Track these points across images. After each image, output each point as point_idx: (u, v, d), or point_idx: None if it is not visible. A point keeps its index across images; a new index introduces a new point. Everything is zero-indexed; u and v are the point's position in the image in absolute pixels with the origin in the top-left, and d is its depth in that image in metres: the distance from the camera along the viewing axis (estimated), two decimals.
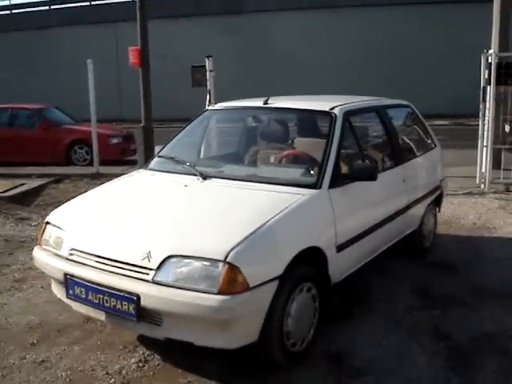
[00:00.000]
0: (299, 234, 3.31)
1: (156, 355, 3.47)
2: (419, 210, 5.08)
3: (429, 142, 5.56)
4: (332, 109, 4.06)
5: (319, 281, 3.52)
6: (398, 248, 4.98)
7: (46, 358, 3.46)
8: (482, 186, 8.75)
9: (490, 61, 8.49)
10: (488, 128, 8.61)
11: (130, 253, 3.10)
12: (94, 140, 10.18)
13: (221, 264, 2.87)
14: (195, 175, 3.86)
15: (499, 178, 8.67)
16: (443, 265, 5.23)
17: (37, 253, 3.62)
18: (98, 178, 9.61)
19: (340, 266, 3.74)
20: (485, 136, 8.73)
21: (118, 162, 11.99)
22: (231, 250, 2.89)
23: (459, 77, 20.66)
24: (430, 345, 3.66)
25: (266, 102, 4.35)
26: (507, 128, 8.85)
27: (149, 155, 11.06)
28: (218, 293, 2.83)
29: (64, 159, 12.12)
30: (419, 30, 23.04)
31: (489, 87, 8.55)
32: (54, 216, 3.70)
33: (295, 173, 3.83)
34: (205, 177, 3.82)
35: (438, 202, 5.71)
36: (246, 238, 2.98)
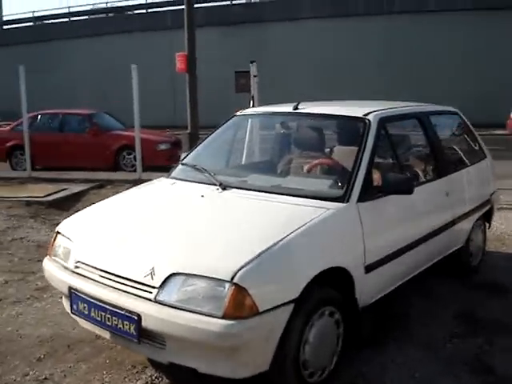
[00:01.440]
0: (320, 252, 2.99)
1: (164, 378, 3.22)
2: (465, 225, 4.65)
3: (478, 152, 5.11)
4: (366, 115, 3.73)
5: (344, 304, 3.19)
6: (442, 266, 4.58)
7: (50, 375, 3.27)
8: None
9: None
10: None
11: (133, 268, 2.87)
12: (137, 146, 10.14)
13: (227, 285, 2.59)
14: (215, 185, 3.60)
15: None
16: (492, 286, 4.77)
17: (46, 264, 3.45)
18: (140, 184, 9.54)
19: (370, 288, 3.40)
20: None
21: (166, 167, 11.90)
22: (239, 270, 2.61)
23: None
24: (469, 379, 3.26)
25: (296, 108, 4.06)
26: None
27: None
28: (223, 317, 2.56)
29: (112, 164, 12.13)
30: (487, 39, 22.14)
31: None
32: (64, 225, 3.52)
33: (322, 184, 3.51)
34: (224, 187, 3.55)
35: (487, 217, 5.25)
36: (258, 256, 2.69)
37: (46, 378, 3.23)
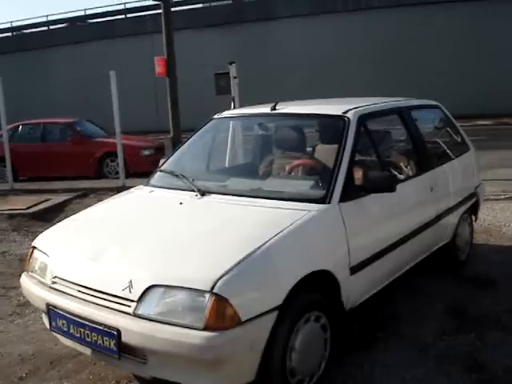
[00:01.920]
0: (303, 256, 2.91)
1: None
2: (451, 220, 4.60)
3: (461, 144, 5.06)
4: (345, 112, 3.65)
5: (331, 308, 3.11)
6: (429, 263, 4.52)
7: None
8: None
9: None
10: None
11: (110, 282, 2.78)
12: (119, 152, 10.03)
13: (207, 295, 2.51)
14: (193, 191, 3.52)
15: None
16: (481, 280, 4.72)
17: (23, 280, 3.34)
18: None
19: (356, 290, 3.33)
20: None
21: (150, 173, 11.79)
22: (219, 280, 2.52)
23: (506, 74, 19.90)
24: (461, 378, 3.20)
25: (274, 108, 3.97)
26: None
27: None
28: (204, 328, 2.47)
29: (96, 172, 12.04)
30: (462, 30, 22.16)
31: None
32: (40, 240, 3.42)
33: (302, 185, 3.43)
34: (203, 193, 3.47)
35: (474, 210, 5.20)
36: (238, 263, 2.61)
37: None
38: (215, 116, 4.38)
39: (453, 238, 4.71)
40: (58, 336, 3.10)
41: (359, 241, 3.27)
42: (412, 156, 4.21)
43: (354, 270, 3.23)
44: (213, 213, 3.26)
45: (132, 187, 8.87)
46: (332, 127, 3.74)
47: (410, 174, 4.08)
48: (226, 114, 4.38)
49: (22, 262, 5.73)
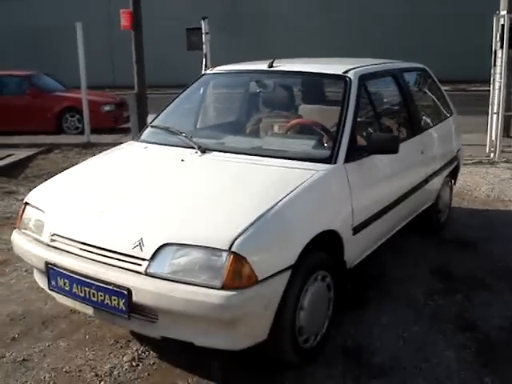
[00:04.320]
0: (314, 216, 2.90)
1: (151, 352, 3.08)
2: (437, 183, 4.67)
3: (446, 109, 5.10)
4: (346, 72, 3.60)
5: (335, 268, 3.12)
6: (412, 224, 4.60)
7: (28, 356, 3.06)
8: (492, 154, 8.36)
9: (502, 23, 7.99)
10: (500, 94, 8.15)
11: (119, 240, 2.69)
12: (84, 108, 9.74)
13: (225, 254, 2.46)
14: (193, 148, 3.42)
15: (510, 147, 8.28)
16: (461, 242, 4.86)
17: (15, 237, 3.19)
18: (90, 148, 9.19)
19: (356, 250, 3.35)
20: (495, 102, 8.30)
21: (111, 129, 11.59)
22: (236, 238, 2.47)
23: (459, 41, 20.03)
24: (456, 336, 3.29)
25: (270, 65, 3.87)
26: None
27: (142, 124, 10.63)
28: (222, 287, 2.43)
29: (55, 128, 11.73)
30: None
31: (500, 51, 8.06)
32: (33, 196, 3.26)
33: (306, 145, 3.38)
34: (203, 150, 3.38)
35: (454, 174, 5.30)
36: (254, 223, 2.56)
37: (24, 360, 3.02)
38: (207, 71, 4.24)
39: (436, 201, 4.79)
40: (56, 295, 3.00)
41: (361, 201, 3.27)
42: (406, 118, 4.21)
43: (356, 230, 3.24)
44: (218, 171, 3.18)
45: (99, 143, 8.62)
46: (333, 87, 3.69)
47: (405, 136, 4.09)
48: (219, 69, 4.24)
49: None
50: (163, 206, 2.83)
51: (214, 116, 4.67)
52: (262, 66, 3.96)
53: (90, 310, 2.87)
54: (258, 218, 2.59)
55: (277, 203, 2.71)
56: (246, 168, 3.15)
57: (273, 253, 2.61)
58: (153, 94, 12.41)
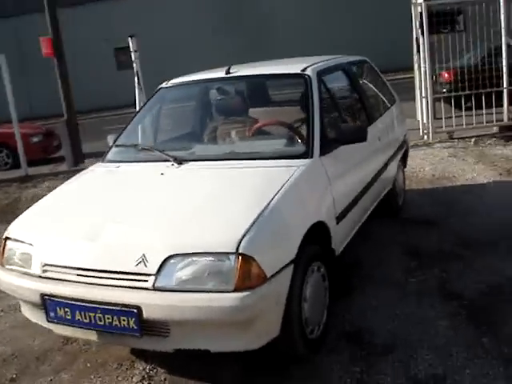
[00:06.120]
0: (305, 209, 2.99)
1: (159, 368, 3.06)
2: (392, 167, 4.87)
3: (390, 96, 5.33)
4: (304, 70, 3.72)
5: (326, 258, 3.22)
6: (374, 209, 4.77)
7: None
8: (426, 137, 8.74)
9: (420, 10, 8.39)
10: (426, 78, 8.55)
11: (119, 259, 2.66)
12: (18, 141, 9.43)
13: (233, 257, 2.49)
14: (167, 161, 3.42)
15: (441, 127, 8.68)
16: (421, 221, 5.08)
17: (1, 275, 3.08)
18: (29, 181, 8.90)
19: (340, 238, 3.47)
20: (423, 87, 8.69)
21: (44, 160, 11.28)
22: (242, 239, 2.51)
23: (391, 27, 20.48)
24: (445, 307, 3.45)
25: (228, 72, 3.94)
26: None
27: (76, 150, 10.39)
28: (235, 290, 2.46)
29: None
30: None
31: (421, 37, 8.46)
32: (14, 229, 3.15)
33: (279, 144, 3.47)
34: (180, 161, 3.39)
35: (403, 158, 5.53)
36: (254, 222, 2.61)
37: None
38: (162, 85, 4.24)
39: (393, 185, 4.99)
40: (54, 326, 2.92)
41: (339, 190, 3.38)
42: (361, 108, 4.37)
43: (339, 218, 3.35)
44: (202, 179, 3.20)
45: (37, 175, 8.33)
46: (294, 86, 3.79)
47: (365, 124, 4.24)
48: (176, 81, 4.24)
49: None
50: (158, 219, 2.82)
51: (177, 128, 4.66)
52: (220, 73, 4.01)
53: (93, 336, 2.82)
54: (258, 217, 2.64)
55: (270, 201, 2.77)
56: (229, 172, 3.20)
57: (276, 249, 2.67)
58: (85, 119, 12.14)
